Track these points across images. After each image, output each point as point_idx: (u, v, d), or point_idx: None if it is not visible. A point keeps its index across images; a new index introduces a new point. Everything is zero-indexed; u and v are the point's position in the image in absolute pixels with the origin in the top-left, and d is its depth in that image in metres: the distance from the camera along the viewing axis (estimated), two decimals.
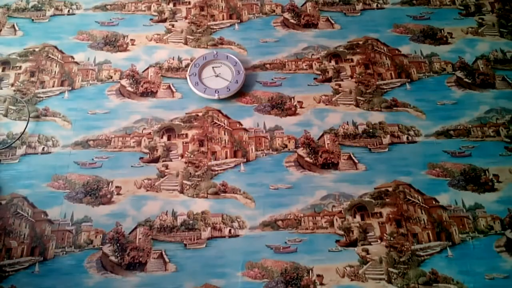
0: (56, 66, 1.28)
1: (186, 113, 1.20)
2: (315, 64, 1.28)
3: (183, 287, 0.97)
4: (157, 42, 1.32)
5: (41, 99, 1.22)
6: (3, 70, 1.27)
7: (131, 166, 1.12)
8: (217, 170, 1.12)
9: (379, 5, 1.40)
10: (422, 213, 1.06)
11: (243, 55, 1.29)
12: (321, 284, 0.98)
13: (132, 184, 1.10)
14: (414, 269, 0.99)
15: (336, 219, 1.05)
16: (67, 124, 1.18)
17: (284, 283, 0.98)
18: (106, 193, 1.08)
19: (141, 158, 1.13)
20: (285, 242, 1.03)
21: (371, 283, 0.98)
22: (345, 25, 1.36)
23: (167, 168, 1.12)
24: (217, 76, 1.24)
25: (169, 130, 1.18)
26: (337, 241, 1.03)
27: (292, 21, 1.37)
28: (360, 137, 1.17)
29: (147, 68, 1.27)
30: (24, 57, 1.29)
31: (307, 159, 1.14)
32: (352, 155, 1.14)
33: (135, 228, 1.04)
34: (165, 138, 1.16)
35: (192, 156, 1.14)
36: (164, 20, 1.37)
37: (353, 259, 1.00)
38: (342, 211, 1.06)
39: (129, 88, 1.24)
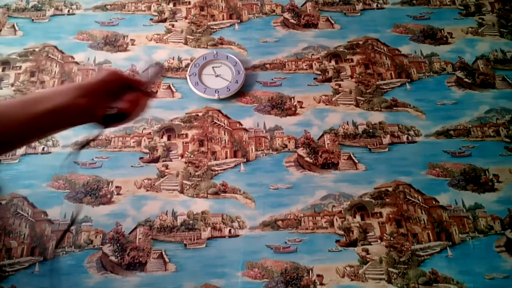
0: (56, 66, 1.27)
1: (186, 113, 1.20)
2: (315, 64, 1.28)
3: (183, 287, 0.97)
4: (157, 42, 1.32)
5: None
6: (3, 70, 1.27)
7: (131, 166, 1.12)
8: (217, 170, 1.12)
9: (379, 5, 1.40)
10: (422, 213, 1.06)
11: (243, 55, 1.29)
12: (321, 284, 0.98)
13: (132, 184, 1.10)
14: (414, 269, 0.99)
15: (336, 219, 1.05)
16: None
17: (284, 283, 0.97)
18: (106, 193, 1.08)
19: (141, 158, 1.13)
20: (285, 242, 1.03)
21: (371, 283, 0.98)
22: (345, 25, 1.36)
23: (167, 168, 1.12)
24: (217, 76, 1.24)
25: (169, 130, 1.18)
26: (337, 241, 1.03)
27: (292, 21, 1.36)
28: (360, 137, 1.17)
29: (147, 68, 1.27)
30: (24, 57, 1.29)
31: (307, 159, 1.13)
32: (352, 155, 1.14)
33: (135, 228, 1.04)
34: (165, 138, 1.16)
35: (192, 156, 1.14)
36: (164, 20, 1.36)
37: (353, 259, 1.00)
38: (342, 211, 1.06)
39: None
